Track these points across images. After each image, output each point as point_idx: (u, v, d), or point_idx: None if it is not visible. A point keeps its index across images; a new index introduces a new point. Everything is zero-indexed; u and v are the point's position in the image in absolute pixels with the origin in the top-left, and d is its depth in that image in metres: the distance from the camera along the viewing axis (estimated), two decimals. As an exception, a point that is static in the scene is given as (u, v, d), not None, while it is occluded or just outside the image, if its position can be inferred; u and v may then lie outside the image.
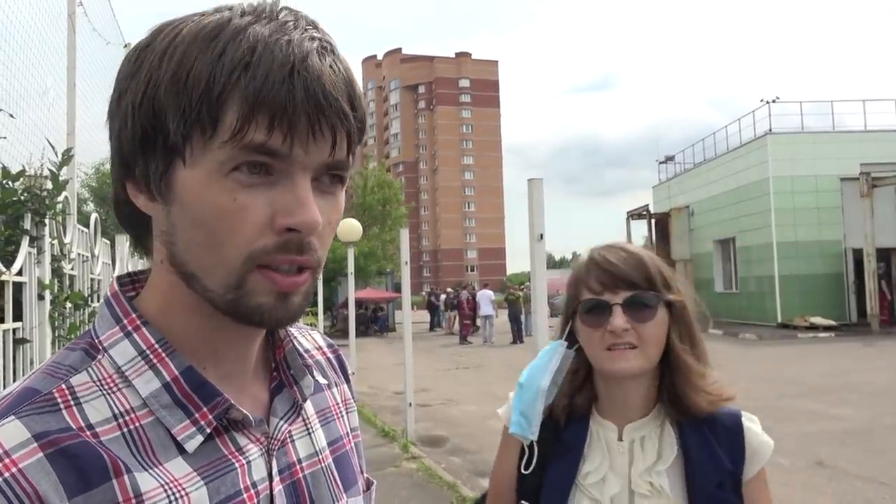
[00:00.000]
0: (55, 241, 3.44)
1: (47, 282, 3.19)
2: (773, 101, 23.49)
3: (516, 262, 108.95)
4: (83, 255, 4.22)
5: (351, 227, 10.95)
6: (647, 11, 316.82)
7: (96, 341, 0.62)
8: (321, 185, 0.60)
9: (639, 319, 1.21)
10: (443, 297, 29.82)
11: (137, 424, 0.58)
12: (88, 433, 0.55)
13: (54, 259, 3.43)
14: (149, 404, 0.59)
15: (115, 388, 0.59)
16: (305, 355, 0.74)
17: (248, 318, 0.59)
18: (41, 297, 3.12)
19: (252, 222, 0.56)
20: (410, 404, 7.58)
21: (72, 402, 0.56)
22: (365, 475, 0.81)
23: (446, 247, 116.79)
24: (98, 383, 0.59)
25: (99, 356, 0.60)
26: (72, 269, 3.81)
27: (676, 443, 1.23)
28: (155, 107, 0.56)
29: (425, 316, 30.36)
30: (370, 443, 7.19)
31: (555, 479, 1.25)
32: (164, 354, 0.61)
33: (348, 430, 0.79)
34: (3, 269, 2.66)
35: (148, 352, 0.60)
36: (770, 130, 23.25)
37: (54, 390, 0.57)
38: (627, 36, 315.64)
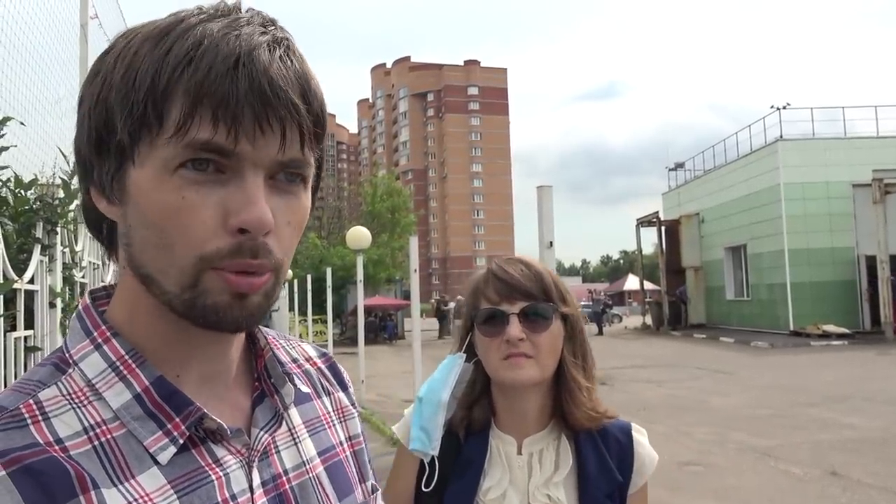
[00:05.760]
0: (67, 250, 3.47)
1: (59, 290, 3.21)
2: (784, 108, 23.40)
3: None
4: (94, 263, 4.25)
5: (360, 235, 10.98)
6: (653, 20, 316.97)
7: (67, 355, 0.60)
8: (278, 184, 0.58)
9: (534, 330, 1.23)
10: (452, 304, 29.80)
11: (109, 437, 0.57)
12: (57, 448, 0.54)
13: (66, 267, 3.45)
14: (120, 417, 0.58)
15: (85, 402, 0.58)
16: (288, 364, 0.73)
17: (205, 319, 0.57)
18: (52, 305, 3.14)
19: (202, 222, 0.55)
20: (419, 412, 7.55)
21: (39, 417, 0.55)
22: (370, 482, 0.79)
23: (455, 254, 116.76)
24: (67, 397, 0.57)
25: (69, 370, 0.59)
26: (83, 276, 3.84)
27: (572, 455, 1.26)
28: (107, 109, 0.56)
29: (434, 324, 30.31)
30: (379, 451, 7.17)
31: (455, 496, 1.25)
32: (134, 365, 0.59)
33: (343, 438, 0.77)
34: (15, 278, 2.68)
35: (118, 363, 0.59)
36: (781, 137, 23.14)
37: (21, 406, 0.55)
38: (632, 44, 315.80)
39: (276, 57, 0.56)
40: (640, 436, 1.31)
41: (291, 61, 0.57)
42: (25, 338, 2.85)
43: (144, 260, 0.58)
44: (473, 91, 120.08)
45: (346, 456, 0.76)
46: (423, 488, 1.26)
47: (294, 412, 0.71)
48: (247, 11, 0.59)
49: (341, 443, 0.76)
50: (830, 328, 20.40)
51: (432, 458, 1.26)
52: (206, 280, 0.56)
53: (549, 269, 1.32)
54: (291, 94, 0.56)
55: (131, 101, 0.55)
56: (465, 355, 1.32)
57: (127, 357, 0.60)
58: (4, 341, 2.60)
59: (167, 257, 0.56)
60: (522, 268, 1.28)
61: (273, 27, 0.58)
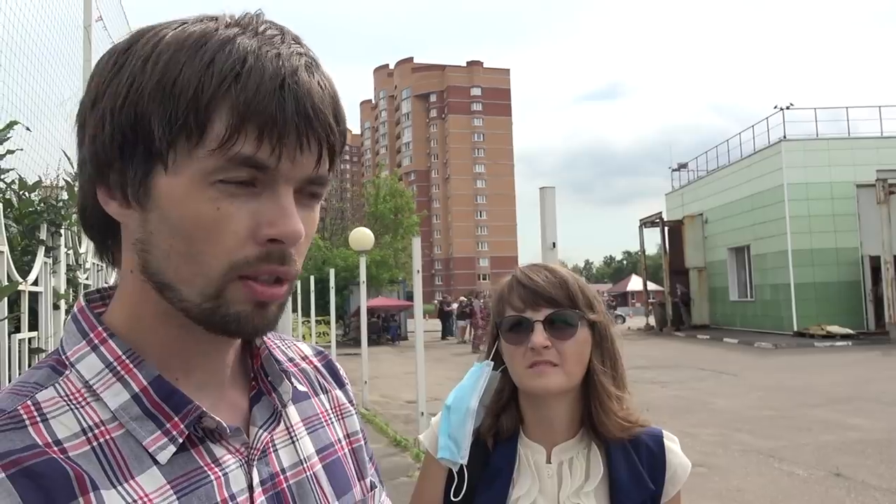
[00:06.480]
0: (70, 251, 3.48)
1: (62, 291, 3.22)
2: (787, 108, 23.37)
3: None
4: (98, 265, 4.26)
5: (363, 236, 10.98)
6: (655, 20, 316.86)
7: (63, 357, 0.61)
8: (301, 199, 0.60)
9: (559, 337, 1.22)
10: (455, 305, 29.81)
11: (108, 437, 0.57)
12: (56, 449, 0.54)
13: (69, 269, 3.46)
14: (118, 417, 0.58)
15: (83, 403, 0.58)
16: (285, 363, 0.73)
17: (225, 327, 0.59)
18: (56, 307, 3.15)
19: (234, 232, 0.56)
20: (423, 413, 7.55)
21: (38, 419, 0.55)
22: (368, 479, 0.79)
23: (458, 255, 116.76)
24: (65, 398, 0.57)
25: (66, 372, 0.59)
26: (86, 278, 3.85)
27: (603, 463, 1.24)
28: (137, 112, 0.55)
29: (437, 324, 30.33)
30: (382, 452, 7.18)
31: None
32: (131, 365, 0.59)
33: (342, 435, 0.77)
34: (20, 279, 2.69)
35: (115, 364, 0.59)
36: (784, 137, 23.11)
37: (19, 407, 0.55)
38: (634, 45, 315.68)
39: (315, 80, 0.58)
40: (671, 443, 1.29)
41: (326, 84, 0.59)
42: (30, 339, 2.85)
43: (166, 267, 0.58)
44: (476, 92, 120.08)
45: (345, 453, 0.76)
46: (452, 498, 1.24)
47: (292, 410, 0.71)
48: (271, 25, 0.60)
49: (339, 440, 0.76)
50: (834, 329, 20.35)
51: (461, 466, 1.24)
52: (230, 290, 0.57)
53: (576, 275, 1.30)
54: (328, 116, 0.58)
55: (170, 108, 0.54)
56: (492, 363, 1.30)
57: (124, 357, 0.60)
58: (9, 343, 2.60)
59: (194, 266, 0.57)
60: (547, 274, 1.26)
61: (301, 46, 0.60)
